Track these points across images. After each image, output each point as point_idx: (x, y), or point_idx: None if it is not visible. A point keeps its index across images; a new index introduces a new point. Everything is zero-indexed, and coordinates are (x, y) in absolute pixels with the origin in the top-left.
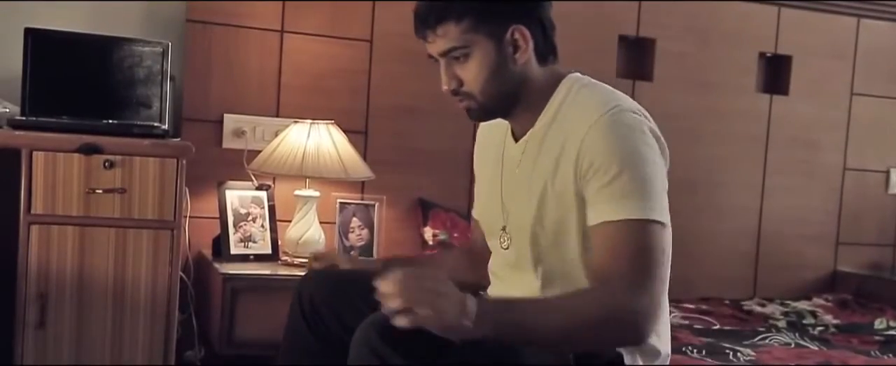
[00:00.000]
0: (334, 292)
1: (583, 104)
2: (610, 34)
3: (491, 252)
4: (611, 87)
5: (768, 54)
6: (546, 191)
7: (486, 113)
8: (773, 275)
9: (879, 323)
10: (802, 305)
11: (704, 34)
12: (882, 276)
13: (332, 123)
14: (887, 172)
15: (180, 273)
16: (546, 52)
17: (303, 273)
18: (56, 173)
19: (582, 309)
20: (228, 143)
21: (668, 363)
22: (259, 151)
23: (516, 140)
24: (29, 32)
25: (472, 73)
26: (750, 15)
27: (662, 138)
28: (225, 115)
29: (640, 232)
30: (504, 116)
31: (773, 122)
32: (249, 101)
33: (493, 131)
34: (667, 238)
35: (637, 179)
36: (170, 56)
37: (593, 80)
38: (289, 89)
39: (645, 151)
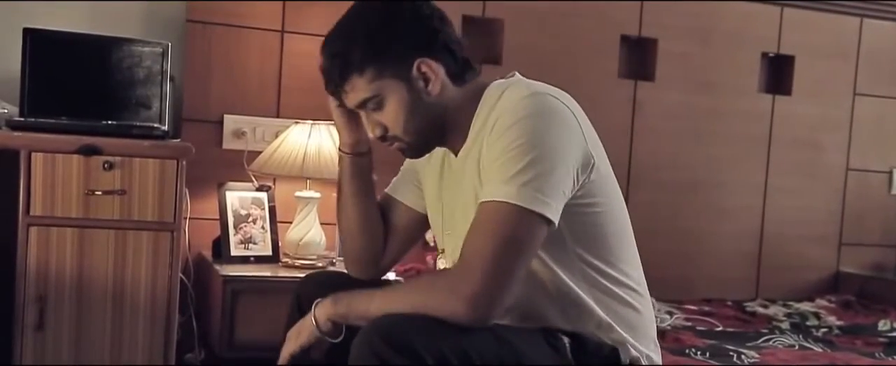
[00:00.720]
0: (332, 293)
1: (504, 99)
2: (612, 34)
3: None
4: (537, 82)
5: (771, 54)
6: (477, 196)
7: (419, 149)
8: (776, 276)
9: (883, 324)
10: (805, 306)
11: (706, 34)
12: (885, 277)
13: (332, 124)
14: (890, 173)
15: (180, 275)
16: (460, 71)
17: (303, 275)
18: (55, 175)
19: (415, 295)
20: (228, 143)
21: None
22: (259, 152)
23: (456, 156)
24: (28, 32)
25: (392, 118)
26: (752, 15)
27: (586, 127)
28: (225, 115)
29: (520, 220)
30: (439, 145)
31: (776, 122)
32: (250, 101)
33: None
34: (541, 235)
35: (535, 163)
36: (170, 56)
37: (520, 79)
38: (289, 90)
39: (552, 135)
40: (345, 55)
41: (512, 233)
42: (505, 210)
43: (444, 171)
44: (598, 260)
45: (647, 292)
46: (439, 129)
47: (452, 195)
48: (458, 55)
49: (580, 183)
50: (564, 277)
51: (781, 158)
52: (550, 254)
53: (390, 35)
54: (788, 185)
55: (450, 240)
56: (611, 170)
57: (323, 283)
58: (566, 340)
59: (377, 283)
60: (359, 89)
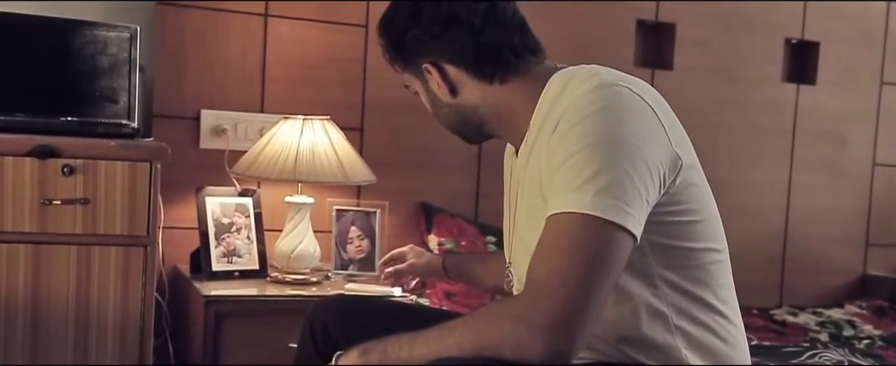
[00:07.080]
0: (351, 319)
1: (568, 92)
2: (627, 19)
3: None
4: (607, 69)
5: (794, 41)
6: (531, 205)
7: (464, 140)
8: (799, 280)
9: None
10: (836, 313)
11: (727, 19)
12: None
13: (328, 120)
14: None
15: (154, 294)
16: (494, 71)
17: (299, 293)
18: (4, 181)
19: (472, 332)
20: (207, 143)
21: None
22: (242, 152)
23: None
24: None
25: (427, 107)
26: None
27: (669, 121)
28: (202, 110)
29: (599, 235)
30: (487, 139)
31: (800, 113)
32: (230, 94)
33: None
34: (625, 251)
35: (610, 166)
36: (139, 43)
37: (589, 66)
38: (274, 81)
39: (628, 133)
40: (381, 37)
41: (593, 250)
42: (579, 222)
43: (515, 171)
44: (688, 281)
45: (740, 315)
46: (471, 126)
47: (515, 201)
48: (488, 54)
49: (665, 188)
50: (644, 305)
51: (805, 153)
52: (629, 277)
53: (407, 31)
54: (812, 182)
55: (516, 252)
56: (702, 171)
57: (339, 309)
58: None
59: (406, 316)
60: (398, 73)
